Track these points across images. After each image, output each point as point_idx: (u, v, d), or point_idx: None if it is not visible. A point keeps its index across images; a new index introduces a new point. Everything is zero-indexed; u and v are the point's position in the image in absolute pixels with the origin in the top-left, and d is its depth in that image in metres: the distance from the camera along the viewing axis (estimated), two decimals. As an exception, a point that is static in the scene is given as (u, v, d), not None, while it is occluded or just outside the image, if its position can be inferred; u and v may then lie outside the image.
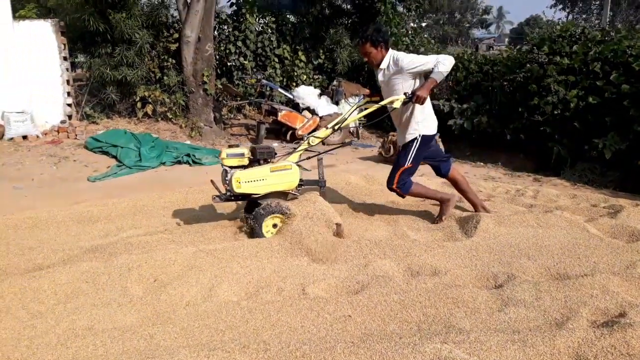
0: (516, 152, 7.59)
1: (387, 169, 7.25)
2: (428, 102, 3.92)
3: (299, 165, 3.94)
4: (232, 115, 10.06)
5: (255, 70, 10.02)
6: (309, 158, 4.20)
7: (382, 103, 3.89)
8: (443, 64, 3.67)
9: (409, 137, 3.95)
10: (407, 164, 3.96)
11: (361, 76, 10.55)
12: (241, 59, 9.82)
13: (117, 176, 6.69)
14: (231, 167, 3.78)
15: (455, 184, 4.37)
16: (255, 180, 3.66)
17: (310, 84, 10.08)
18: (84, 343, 2.52)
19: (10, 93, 7.84)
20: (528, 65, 7.42)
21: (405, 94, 3.75)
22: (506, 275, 3.00)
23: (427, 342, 2.25)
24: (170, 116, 8.96)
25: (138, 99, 8.82)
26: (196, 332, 2.56)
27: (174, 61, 9.04)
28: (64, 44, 8.29)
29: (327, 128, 3.94)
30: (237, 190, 3.66)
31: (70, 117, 8.47)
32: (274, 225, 3.72)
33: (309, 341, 2.37)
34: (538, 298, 2.70)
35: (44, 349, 2.49)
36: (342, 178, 5.69)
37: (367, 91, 9.56)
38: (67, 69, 8.35)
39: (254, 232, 3.68)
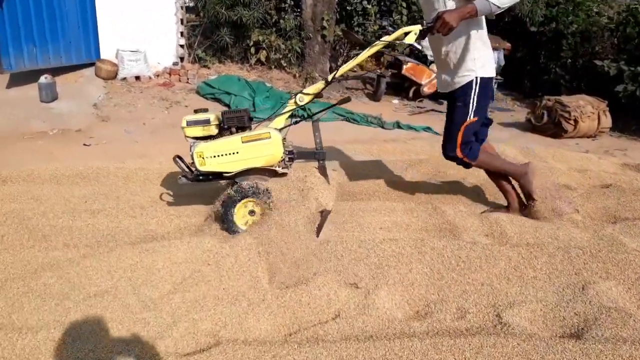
0: None
1: (539, 139, 6.13)
2: (485, 34, 2.93)
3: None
4: (347, 67, 9.16)
5: (378, 15, 8.96)
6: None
7: (389, 38, 2.84)
8: None
9: (461, 80, 2.93)
10: (470, 118, 2.92)
11: (502, 27, 9.09)
12: (364, 2, 8.79)
13: (229, 126, 6.14)
14: (195, 139, 2.96)
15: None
16: (224, 155, 2.85)
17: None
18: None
19: (125, 30, 7.48)
20: None
21: (423, 22, 2.77)
22: None
23: None
24: (285, 64, 8.26)
25: (252, 43, 8.17)
26: (359, 367, 1.81)
27: (292, 2, 8.23)
28: (180, -20, 7.75)
29: (321, 80, 2.97)
30: (202, 167, 2.89)
31: (182, 59, 8.04)
32: (251, 213, 2.86)
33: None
34: None
35: (160, 363, 1.87)
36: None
37: (508, 45, 8.21)
38: (181, 7, 7.84)
39: (225, 226, 2.86)
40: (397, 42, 2.80)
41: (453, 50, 2.91)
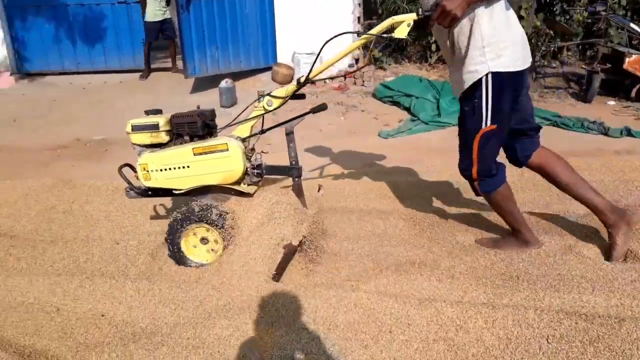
0: None
1: None
2: (502, 10, 2.10)
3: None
4: (545, 62, 7.80)
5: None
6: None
7: (374, 31, 2.22)
8: None
9: (469, 78, 2.15)
10: (484, 124, 2.15)
11: None
12: (570, -15, 7.41)
13: (411, 132, 5.41)
14: (143, 146, 2.45)
15: (548, 174, 2.37)
16: (171, 169, 2.36)
17: (669, 19, 7.07)
18: None
19: (301, 32, 7.19)
20: None
21: (419, 10, 2.11)
22: None
23: None
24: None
25: (432, 40, 7.34)
26: None
27: (482, -9, 7.21)
28: (359, -27, 7.26)
29: (294, 83, 2.43)
30: (146, 182, 2.42)
31: (357, 60, 7.53)
32: (203, 240, 2.35)
33: None
34: None
35: None
36: None
37: None
38: (359, 4, 7.33)
39: (175, 258, 2.38)
40: (386, 35, 2.19)
41: (457, 39, 2.15)
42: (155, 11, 7.07)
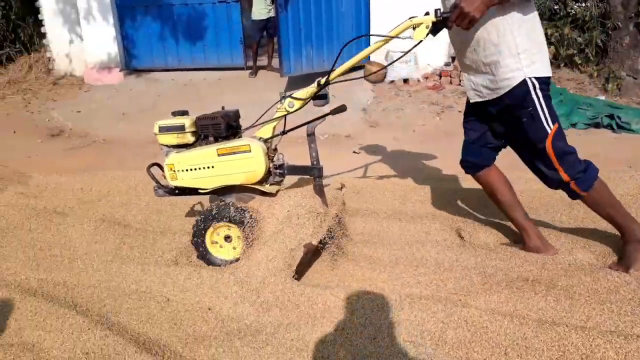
0: None
1: None
2: (532, 18, 2.12)
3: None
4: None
5: None
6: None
7: (392, 33, 2.22)
8: None
9: (506, 85, 2.13)
10: (549, 128, 2.13)
11: None
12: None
13: (511, 136, 5.12)
14: (170, 147, 2.55)
15: (492, 191, 2.45)
16: (197, 169, 2.45)
17: None
18: None
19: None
20: None
21: (437, 11, 2.09)
22: None
23: None
24: (579, 61, 6.77)
25: (537, 37, 6.92)
26: None
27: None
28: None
29: (314, 84, 2.40)
30: (173, 182, 2.51)
31: (453, 59, 7.27)
32: (227, 239, 2.44)
33: None
34: None
35: None
36: None
37: None
38: (458, 2, 7.08)
39: (202, 257, 2.48)
40: (403, 38, 2.25)
41: (483, 46, 2.15)
42: (260, 10, 7.29)
